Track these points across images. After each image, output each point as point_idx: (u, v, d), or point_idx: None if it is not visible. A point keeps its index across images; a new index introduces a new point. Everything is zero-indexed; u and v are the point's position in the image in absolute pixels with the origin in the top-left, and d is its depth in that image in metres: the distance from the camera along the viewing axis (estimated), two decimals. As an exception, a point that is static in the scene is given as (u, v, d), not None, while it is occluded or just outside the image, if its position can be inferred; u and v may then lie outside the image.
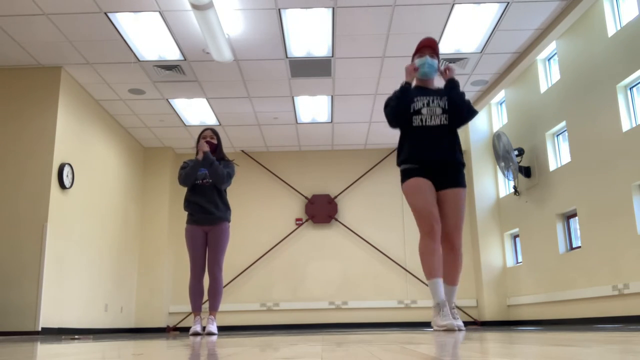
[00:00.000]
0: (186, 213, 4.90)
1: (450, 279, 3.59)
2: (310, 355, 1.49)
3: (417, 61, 3.71)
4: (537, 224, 7.28)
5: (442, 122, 3.61)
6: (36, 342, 3.58)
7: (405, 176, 3.65)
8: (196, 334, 4.63)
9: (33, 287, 6.13)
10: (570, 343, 1.70)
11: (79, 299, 7.08)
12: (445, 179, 3.59)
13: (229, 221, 4.89)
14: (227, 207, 4.89)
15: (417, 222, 3.55)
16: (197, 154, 4.83)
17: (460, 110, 3.64)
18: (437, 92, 3.71)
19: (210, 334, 4.70)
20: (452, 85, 3.69)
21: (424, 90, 3.72)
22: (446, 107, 3.63)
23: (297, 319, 9.11)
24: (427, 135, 3.58)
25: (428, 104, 3.62)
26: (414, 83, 3.80)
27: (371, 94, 7.68)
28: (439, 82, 3.89)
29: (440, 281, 3.44)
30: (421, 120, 3.60)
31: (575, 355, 1.19)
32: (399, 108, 3.61)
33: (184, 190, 4.96)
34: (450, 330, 3.33)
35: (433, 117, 3.60)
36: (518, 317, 8.11)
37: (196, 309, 4.83)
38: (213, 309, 4.84)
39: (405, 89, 3.61)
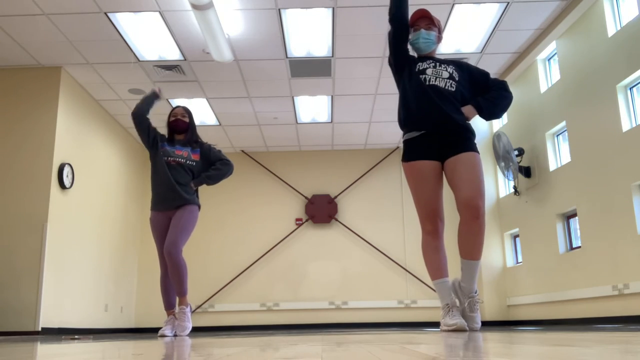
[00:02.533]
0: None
1: (471, 252, 3.12)
2: (310, 355, 1.49)
3: (411, 36, 3.39)
4: (537, 224, 7.28)
5: (447, 86, 3.25)
6: (36, 342, 3.58)
7: (407, 153, 3.27)
8: (163, 336, 4.10)
9: (33, 287, 6.13)
10: (570, 343, 1.70)
11: (79, 299, 7.08)
12: (454, 146, 3.19)
13: (196, 204, 4.34)
14: (194, 190, 4.36)
15: (419, 217, 3.24)
16: (167, 135, 4.41)
17: (496, 111, 3.36)
18: (444, 60, 3.40)
19: (183, 329, 4.17)
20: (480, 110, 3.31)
21: (428, 57, 3.42)
22: (455, 76, 3.30)
23: (297, 319, 9.10)
24: (432, 94, 3.21)
25: (434, 66, 3.31)
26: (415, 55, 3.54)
27: (371, 94, 7.68)
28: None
29: (446, 280, 3.15)
30: (425, 79, 3.26)
31: (575, 355, 1.19)
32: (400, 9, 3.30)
33: None
34: (459, 330, 2.98)
35: (438, 79, 3.26)
36: (518, 317, 8.11)
37: (168, 307, 4.31)
38: (180, 294, 4.22)
39: None
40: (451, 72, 3.31)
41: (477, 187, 3.08)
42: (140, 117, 4.33)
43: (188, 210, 4.24)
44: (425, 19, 3.37)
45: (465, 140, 3.21)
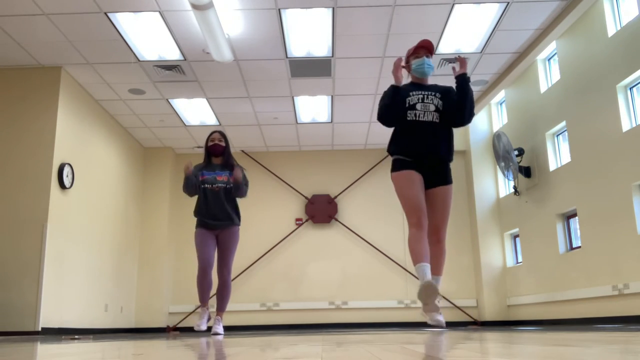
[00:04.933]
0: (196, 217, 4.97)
1: (436, 270, 3.79)
2: (310, 355, 1.49)
3: (415, 61, 3.81)
4: (537, 224, 7.28)
5: (433, 119, 3.70)
6: (36, 342, 3.58)
7: (397, 166, 3.77)
8: (201, 330, 4.72)
9: (33, 287, 6.13)
10: (570, 343, 1.70)
11: (79, 299, 7.08)
12: (435, 177, 3.74)
13: (238, 224, 4.96)
14: (237, 211, 4.95)
15: (405, 213, 3.72)
16: (205, 157, 4.90)
17: (463, 112, 3.72)
18: (432, 89, 3.80)
19: (217, 334, 4.74)
20: (463, 82, 3.73)
21: (419, 85, 3.81)
22: (440, 106, 3.73)
23: (297, 319, 9.10)
24: (420, 130, 3.69)
25: (422, 100, 3.71)
26: (409, 79, 3.90)
27: (371, 94, 7.68)
28: (432, 79, 3.96)
29: (426, 265, 3.58)
30: (415, 115, 3.70)
31: (575, 355, 1.19)
32: (390, 109, 3.71)
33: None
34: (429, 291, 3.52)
35: (426, 114, 3.70)
36: (518, 317, 8.11)
37: (203, 300, 4.83)
38: (220, 309, 4.89)
39: (395, 91, 3.70)
40: (437, 103, 3.73)
41: (443, 219, 3.77)
42: (193, 193, 4.89)
43: (231, 232, 4.89)
44: (425, 49, 3.82)
45: (445, 171, 3.76)
